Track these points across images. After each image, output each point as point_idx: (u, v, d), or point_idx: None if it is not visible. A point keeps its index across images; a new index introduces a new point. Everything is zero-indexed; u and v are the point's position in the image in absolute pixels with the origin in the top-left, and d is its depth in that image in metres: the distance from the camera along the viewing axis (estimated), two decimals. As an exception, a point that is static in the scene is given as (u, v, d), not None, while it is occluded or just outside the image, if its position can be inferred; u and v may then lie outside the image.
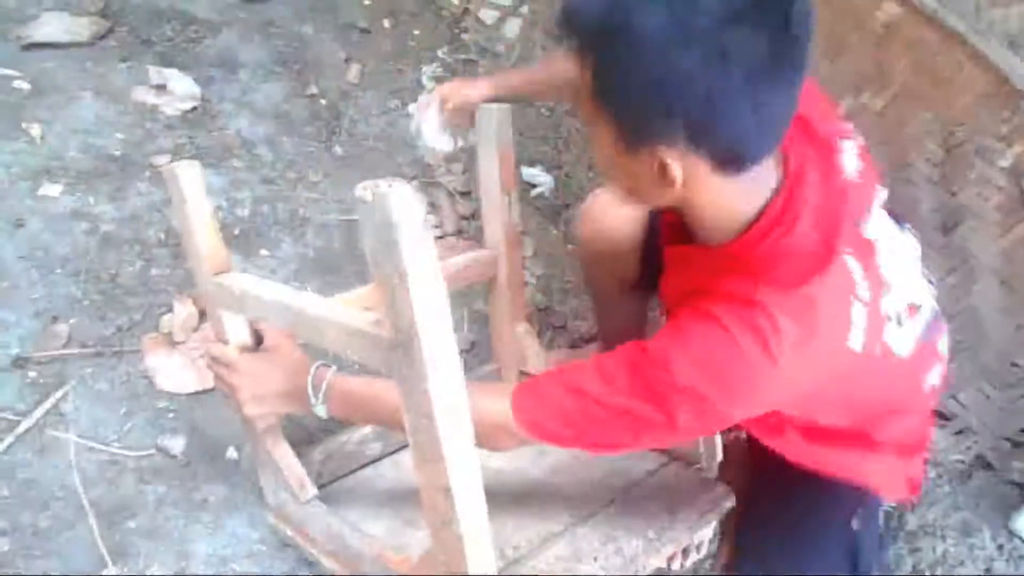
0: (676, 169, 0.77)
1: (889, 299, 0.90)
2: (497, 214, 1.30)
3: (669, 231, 1.00)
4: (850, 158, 0.90)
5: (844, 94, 1.53)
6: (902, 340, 0.93)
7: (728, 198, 0.82)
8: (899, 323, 0.92)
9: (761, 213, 0.83)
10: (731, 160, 0.78)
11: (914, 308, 0.95)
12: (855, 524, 1.06)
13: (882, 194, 0.95)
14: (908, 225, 1.01)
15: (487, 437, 0.89)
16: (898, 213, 1.00)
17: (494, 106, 1.23)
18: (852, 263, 0.85)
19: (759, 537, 1.10)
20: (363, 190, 0.67)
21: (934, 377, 1.05)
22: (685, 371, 0.81)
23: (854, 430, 1.01)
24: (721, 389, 0.81)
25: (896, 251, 0.94)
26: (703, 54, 0.69)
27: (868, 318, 0.84)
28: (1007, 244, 1.42)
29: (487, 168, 1.28)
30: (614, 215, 1.22)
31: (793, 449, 1.03)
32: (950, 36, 1.38)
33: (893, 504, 1.14)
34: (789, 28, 0.70)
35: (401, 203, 0.65)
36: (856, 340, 0.84)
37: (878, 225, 0.92)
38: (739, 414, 0.86)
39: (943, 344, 1.06)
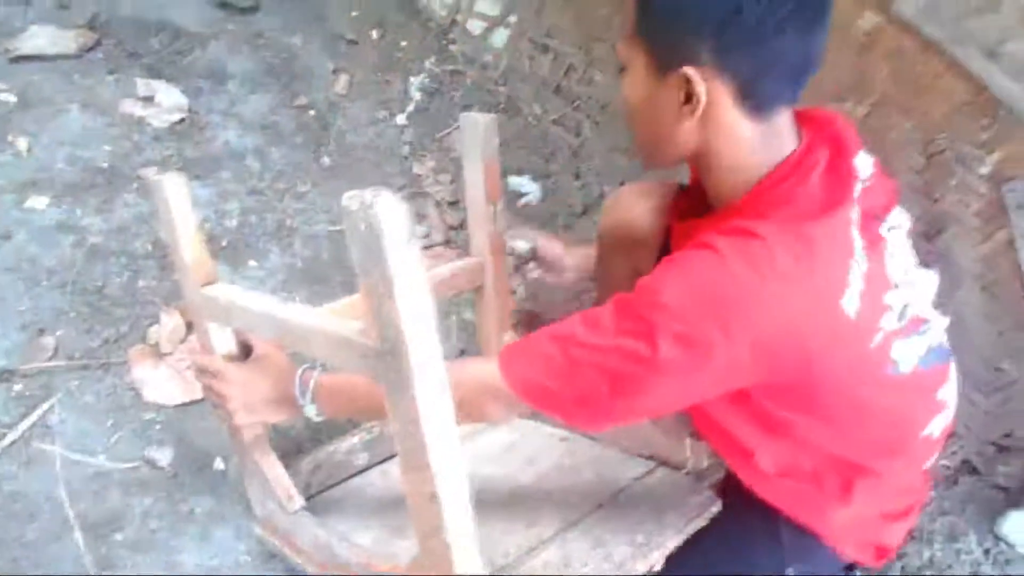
0: (701, 89, 0.82)
1: (893, 294, 0.89)
2: (483, 223, 1.30)
3: (682, 209, 1.01)
4: (864, 163, 0.92)
5: (826, 103, 1.55)
6: (903, 349, 0.91)
7: (746, 145, 0.86)
8: (900, 319, 0.90)
9: (773, 170, 0.87)
10: (751, 94, 0.83)
11: (920, 321, 0.93)
12: (790, 570, 1.03)
13: (905, 218, 0.96)
14: (933, 268, 1.00)
15: (473, 405, 0.89)
16: (928, 261, 1.01)
17: (479, 115, 1.24)
18: (856, 235, 0.85)
19: (686, 558, 1.08)
20: (349, 199, 0.67)
21: (934, 428, 0.99)
22: (670, 290, 0.81)
23: (832, 463, 0.97)
24: (705, 306, 0.80)
25: (908, 265, 0.93)
26: None
27: (865, 285, 0.84)
28: (988, 250, 1.43)
29: (472, 177, 1.28)
30: (638, 206, 1.23)
31: (760, 480, 1.00)
32: (929, 46, 1.40)
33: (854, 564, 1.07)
34: None
35: (387, 212, 0.66)
36: (851, 303, 0.82)
37: (893, 234, 0.93)
38: (725, 347, 0.80)
39: (947, 393, 1.00)
